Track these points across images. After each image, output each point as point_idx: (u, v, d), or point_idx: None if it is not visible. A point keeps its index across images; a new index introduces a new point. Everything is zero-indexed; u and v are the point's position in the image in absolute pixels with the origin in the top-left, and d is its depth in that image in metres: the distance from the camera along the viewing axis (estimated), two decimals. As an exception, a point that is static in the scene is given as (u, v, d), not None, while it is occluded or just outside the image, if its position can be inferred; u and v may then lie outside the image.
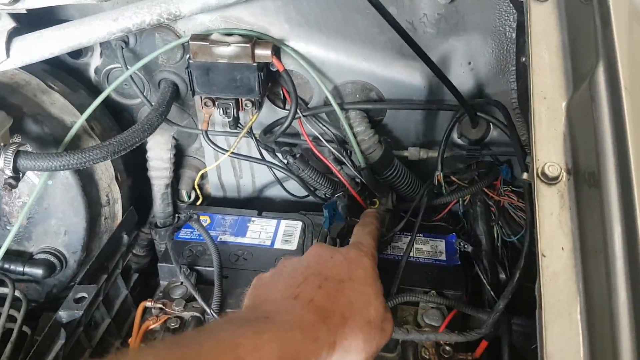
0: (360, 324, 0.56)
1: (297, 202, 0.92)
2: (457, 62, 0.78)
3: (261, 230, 0.85)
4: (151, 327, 0.72)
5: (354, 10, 0.75)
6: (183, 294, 0.76)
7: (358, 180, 0.84)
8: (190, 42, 0.71)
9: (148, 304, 0.74)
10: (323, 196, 0.87)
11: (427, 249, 0.84)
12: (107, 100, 0.85)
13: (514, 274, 0.61)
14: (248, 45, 0.71)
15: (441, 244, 0.84)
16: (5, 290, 0.75)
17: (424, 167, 0.86)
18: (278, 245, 0.83)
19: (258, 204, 0.95)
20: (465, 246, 0.81)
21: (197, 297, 0.72)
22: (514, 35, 0.74)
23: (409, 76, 0.79)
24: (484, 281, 0.77)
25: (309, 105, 0.83)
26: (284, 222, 0.86)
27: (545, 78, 0.55)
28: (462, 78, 0.79)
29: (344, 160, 0.82)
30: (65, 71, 0.84)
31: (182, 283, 0.76)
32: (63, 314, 0.69)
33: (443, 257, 0.82)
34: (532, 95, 0.54)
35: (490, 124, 0.81)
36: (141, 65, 0.76)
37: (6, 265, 0.76)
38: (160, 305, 0.74)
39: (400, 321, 0.73)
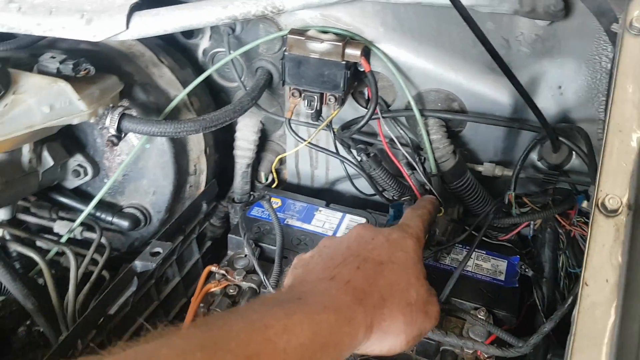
0: (401, 305, 0.55)
1: (366, 200, 0.95)
2: (546, 85, 0.77)
3: (326, 220, 0.89)
4: (212, 289, 0.78)
5: (451, 22, 0.77)
6: (245, 266, 0.81)
7: (427, 188, 0.85)
8: (288, 36, 0.77)
9: (213, 268, 0.80)
10: (390, 198, 0.89)
11: (488, 266, 0.83)
12: (209, 81, 0.93)
13: (566, 300, 0.61)
14: (340, 44, 0.75)
15: (502, 264, 0.84)
16: (93, 236, 0.84)
17: (497, 185, 0.86)
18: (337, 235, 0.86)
19: (328, 195, 0.99)
20: (527, 270, 0.80)
21: (257, 269, 0.77)
22: (609, 66, 0.73)
23: (495, 92, 0.79)
24: (539, 308, 0.75)
25: (390, 108, 0.85)
26: (348, 217, 0.90)
27: (624, 111, 0.54)
28: (549, 101, 0.78)
29: (415, 165, 0.84)
30: (177, 49, 0.92)
31: (246, 255, 0.82)
32: (138, 264, 0.77)
33: (502, 277, 0.81)
34: (607, 125, 0.53)
35: (573, 151, 0.80)
36: (243, 51, 0.82)
37: (98, 214, 0.86)
38: (224, 272, 0.80)
39: (445, 331, 0.74)
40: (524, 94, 0.69)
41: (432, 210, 0.72)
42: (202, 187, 0.91)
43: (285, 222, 0.88)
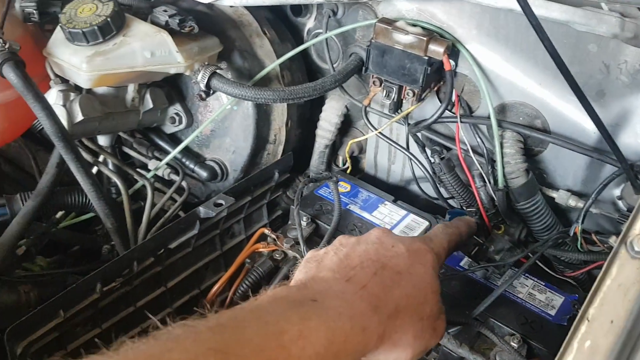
0: (414, 319, 0.54)
1: (437, 206, 0.93)
2: (638, 120, 0.70)
3: (387, 215, 0.89)
4: (260, 249, 0.83)
5: (551, 37, 0.73)
6: (296, 237, 0.85)
7: (495, 204, 0.82)
8: (376, 23, 0.78)
9: (266, 231, 0.85)
10: (456, 206, 0.87)
11: (541, 298, 0.78)
12: (308, 60, 0.98)
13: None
14: (424, 38, 0.75)
15: (558, 300, 0.78)
16: (176, 178, 0.93)
17: (569, 215, 0.80)
18: (396, 232, 0.86)
19: (400, 192, 0.99)
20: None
21: (300, 240, 0.80)
22: None
23: (582, 116, 0.74)
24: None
25: (472, 114, 0.83)
26: (411, 216, 0.89)
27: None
28: (637, 138, 0.71)
29: (485, 178, 0.81)
30: (285, 25, 0.98)
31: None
32: (201, 210, 0.84)
33: (552, 312, 0.76)
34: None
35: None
36: (336, 32, 0.85)
37: (183, 160, 0.95)
38: (275, 237, 0.84)
39: (473, 348, 0.71)
40: (598, 122, 0.64)
41: (464, 232, 0.69)
42: (279, 157, 0.96)
43: (347, 206, 0.90)
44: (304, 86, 0.82)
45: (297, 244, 0.84)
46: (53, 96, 0.78)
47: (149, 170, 0.96)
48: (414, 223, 0.88)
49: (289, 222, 0.90)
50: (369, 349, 0.50)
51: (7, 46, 0.73)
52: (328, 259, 0.55)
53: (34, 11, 0.84)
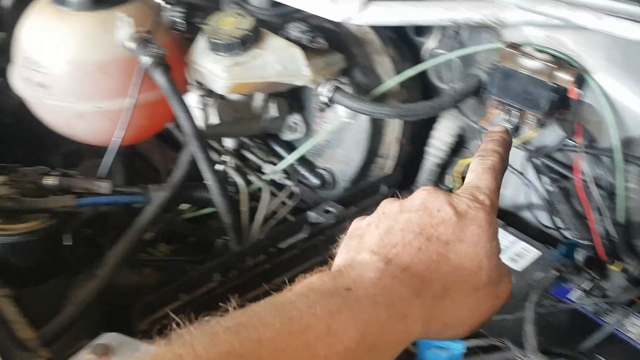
0: (467, 292, 0.48)
1: (548, 236, 0.91)
2: None
3: (496, 238, 0.89)
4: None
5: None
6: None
7: (613, 239, 0.79)
8: (503, 47, 0.79)
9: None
10: (570, 237, 0.85)
11: (656, 341, 0.75)
12: (426, 80, 1.00)
13: None
14: (553, 65, 0.75)
15: (673, 346, 0.74)
16: (289, 183, 0.99)
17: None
18: (503, 258, 0.85)
19: (509, 218, 0.97)
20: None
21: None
22: None
23: None
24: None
25: (595, 145, 0.81)
26: (521, 244, 0.87)
27: None
28: None
29: (604, 211, 0.79)
30: (405, 44, 1.01)
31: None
32: (311, 214, 0.88)
33: (665, 357, 0.72)
34: None
35: None
36: (459, 54, 0.87)
37: (298, 167, 1.00)
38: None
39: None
40: None
41: (503, 153, 0.57)
42: (388, 172, 0.99)
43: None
44: (422, 104, 0.84)
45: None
46: (193, 99, 0.86)
47: (263, 174, 1.02)
48: (524, 251, 0.87)
49: (393, 236, 0.92)
50: (414, 336, 0.45)
51: (158, 51, 0.81)
52: (369, 235, 0.50)
53: (182, 20, 0.92)
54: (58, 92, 0.89)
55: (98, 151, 1.42)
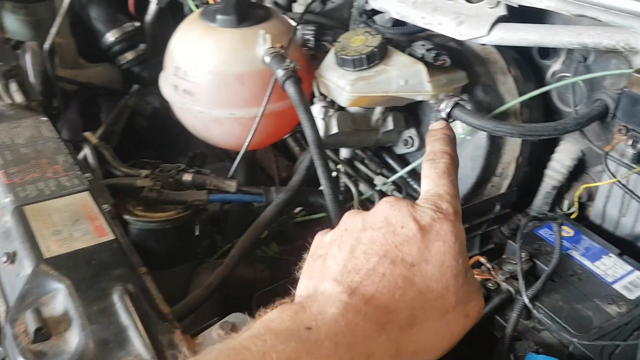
0: (435, 317, 0.45)
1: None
2: None
3: (611, 267, 0.86)
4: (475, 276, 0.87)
5: None
6: (511, 271, 0.86)
7: None
8: (632, 73, 0.77)
9: (482, 259, 0.88)
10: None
11: None
12: (547, 101, 0.99)
13: None
14: (689, 93, 0.72)
15: None
16: (399, 195, 1.02)
17: None
18: (617, 287, 0.82)
19: (626, 247, 0.94)
20: None
21: (519, 276, 0.82)
22: None
23: None
24: None
25: None
26: (637, 273, 0.84)
27: None
28: None
29: None
30: (529, 65, 1.01)
31: (514, 262, 0.87)
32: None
33: None
34: None
35: None
36: (586, 77, 0.86)
37: (408, 179, 1.03)
38: (489, 267, 0.87)
39: None
40: None
41: (451, 151, 0.55)
42: (502, 191, 0.99)
43: (568, 251, 0.88)
44: (545, 125, 0.84)
45: (513, 277, 0.85)
46: (316, 110, 0.92)
47: (374, 185, 1.06)
48: (639, 280, 0.84)
49: (504, 256, 0.92)
50: None
51: (291, 65, 0.88)
52: (332, 258, 0.48)
53: (312, 38, 0.99)
54: (200, 98, 0.99)
55: (219, 155, 1.54)
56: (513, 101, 0.91)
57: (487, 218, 0.97)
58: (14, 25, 1.55)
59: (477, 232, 0.98)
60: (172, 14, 1.77)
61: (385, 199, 0.51)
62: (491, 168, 0.97)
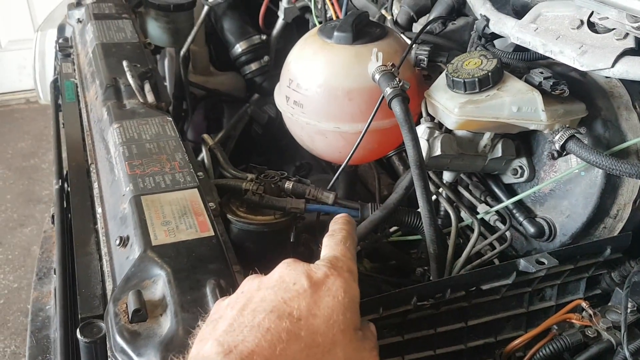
0: None
1: None
2: None
3: None
4: (572, 320, 0.82)
5: None
6: (615, 321, 0.80)
7: None
8: None
9: (584, 304, 0.83)
10: None
11: None
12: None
13: None
14: None
15: None
16: (501, 226, 0.97)
17: None
18: None
19: None
20: None
21: (622, 327, 0.75)
22: None
23: None
24: None
25: None
26: None
27: None
28: None
29: None
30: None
31: (619, 312, 0.80)
32: (521, 262, 0.84)
33: None
34: None
35: None
36: None
37: (514, 211, 0.98)
38: (592, 313, 0.81)
39: None
40: None
41: (351, 230, 0.60)
42: (615, 234, 0.91)
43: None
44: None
45: (616, 328, 0.79)
46: (421, 130, 0.92)
47: (476, 213, 1.02)
48: None
49: (610, 304, 0.85)
50: None
51: (400, 84, 0.89)
52: (222, 320, 0.50)
53: (425, 58, 0.99)
54: (309, 110, 1.02)
55: (324, 167, 1.58)
56: (635, 139, 0.84)
57: (596, 261, 0.91)
58: (155, 31, 1.71)
59: (583, 275, 0.91)
60: (297, 29, 1.85)
61: (285, 260, 0.54)
62: (605, 208, 0.90)
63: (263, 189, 0.98)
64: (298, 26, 1.84)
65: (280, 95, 1.09)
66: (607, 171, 0.82)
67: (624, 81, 0.90)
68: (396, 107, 0.88)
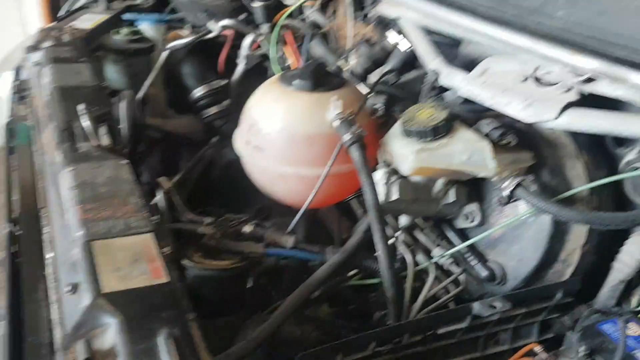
0: None
1: None
2: None
3: None
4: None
5: None
6: (568, 366, 0.82)
7: None
8: None
9: (537, 348, 0.84)
10: None
11: None
12: (618, 190, 0.94)
13: None
14: None
15: None
16: (455, 270, 1.00)
17: None
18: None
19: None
20: None
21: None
22: None
23: None
24: None
25: None
26: None
27: None
28: None
29: None
30: (601, 151, 0.98)
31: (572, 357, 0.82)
32: (475, 306, 0.87)
33: None
34: None
35: None
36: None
37: (467, 255, 1.01)
38: (545, 357, 0.83)
39: None
40: None
41: None
42: (565, 278, 0.94)
43: (632, 351, 0.82)
44: (615, 215, 0.81)
45: (569, 378, 0.81)
46: (379, 176, 0.94)
47: (431, 257, 1.04)
48: None
49: (562, 348, 0.87)
50: None
51: (358, 131, 0.91)
52: None
53: (382, 108, 1.03)
54: (269, 155, 1.04)
55: (283, 211, 1.58)
56: (581, 187, 0.88)
57: (548, 305, 0.93)
58: (114, 75, 1.71)
59: (536, 319, 0.94)
60: (257, 76, 1.88)
61: None
62: (554, 253, 0.94)
63: (220, 233, 0.97)
64: (257, 73, 1.87)
65: (240, 140, 1.11)
66: (554, 217, 0.86)
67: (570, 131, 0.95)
68: (354, 152, 0.90)
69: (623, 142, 0.95)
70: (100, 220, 0.86)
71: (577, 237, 0.93)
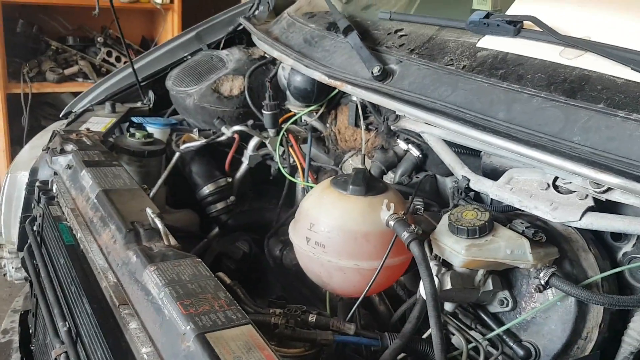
0: None
1: None
2: None
3: None
4: None
5: None
6: None
7: None
8: None
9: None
10: None
11: None
12: (621, 279, 1.16)
13: None
14: None
15: None
16: (494, 352, 1.15)
17: None
18: None
19: None
20: None
21: None
22: None
23: None
24: None
25: None
26: None
27: None
28: None
29: None
30: (602, 245, 1.20)
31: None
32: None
33: None
34: None
35: None
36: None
37: (503, 336, 1.16)
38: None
39: None
40: None
41: None
42: (586, 353, 1.12)
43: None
44: (629, 297, 1.01)
45: None
46: (434, 269, 1.10)
47: (468, 340, 1.19)
48: None
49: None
50: None
51: (415, 229, 1.08)
52: None
53: (421, 208, 1.21)
54: (330, 250, 1.17)
55: (297, 300, 1.67)
56: (597, 275, 1.09)
57: (575, 378, 1.10)
58: (129, 174, 1.80)
59: (562, 391, 1.09)
60: (258, 173, 2.04)
61: None
62: (578, 331, 1.12)
63: (292, 323, 1.08)
64: (259, 170, 2.03)
65: (299, 237, 1.24)
66: (584, 301, 1.04)
67: (577, 228, 1.16)
68: (414, 248, 1.06)
69: (619, 237, 1.18)
70: (202, 315, 0.95)
71: (596, 316, 1.12)
